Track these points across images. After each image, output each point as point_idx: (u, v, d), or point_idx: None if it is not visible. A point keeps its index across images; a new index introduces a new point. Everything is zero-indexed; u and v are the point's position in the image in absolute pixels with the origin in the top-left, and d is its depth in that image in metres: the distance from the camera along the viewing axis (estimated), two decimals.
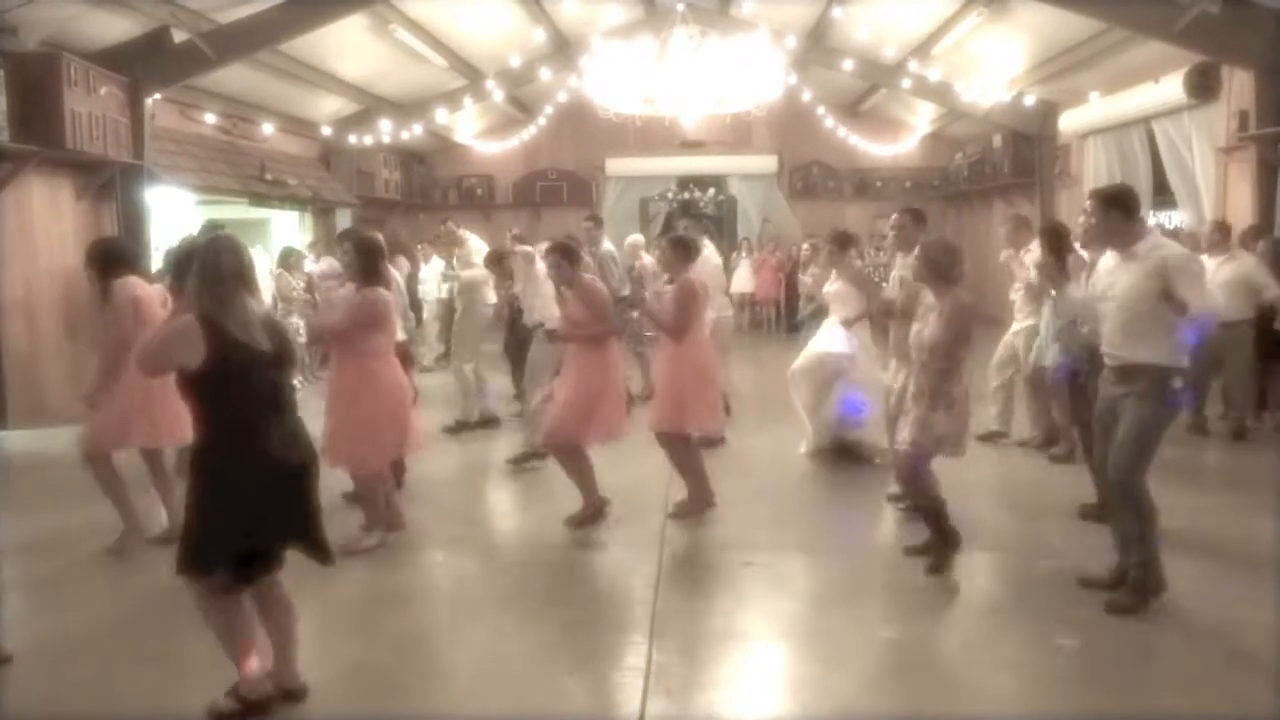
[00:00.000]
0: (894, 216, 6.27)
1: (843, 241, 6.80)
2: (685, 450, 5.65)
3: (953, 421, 4.55)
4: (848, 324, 6.65)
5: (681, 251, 5.67)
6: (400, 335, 6.40)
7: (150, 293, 5.07)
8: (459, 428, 7.95)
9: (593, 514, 5.39)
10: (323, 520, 3.42)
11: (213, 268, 3.23)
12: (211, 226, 7.07)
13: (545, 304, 7.25)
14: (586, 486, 5.42)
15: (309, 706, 3.48)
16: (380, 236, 5.58)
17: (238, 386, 3.16)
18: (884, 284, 6.63)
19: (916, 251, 4.89)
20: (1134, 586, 4.14)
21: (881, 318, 6.23)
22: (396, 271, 6.87)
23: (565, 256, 5.55)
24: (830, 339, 6.78)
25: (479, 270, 8.14)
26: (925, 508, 4.74)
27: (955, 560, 4.67)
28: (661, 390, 5.62)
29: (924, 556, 4.75)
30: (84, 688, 3.71)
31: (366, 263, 5.14)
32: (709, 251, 7.91)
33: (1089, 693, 3.58)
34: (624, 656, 3.94)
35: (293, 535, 3.34)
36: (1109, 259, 4.27)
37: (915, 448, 4.59)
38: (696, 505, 5.62)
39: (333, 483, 5.13)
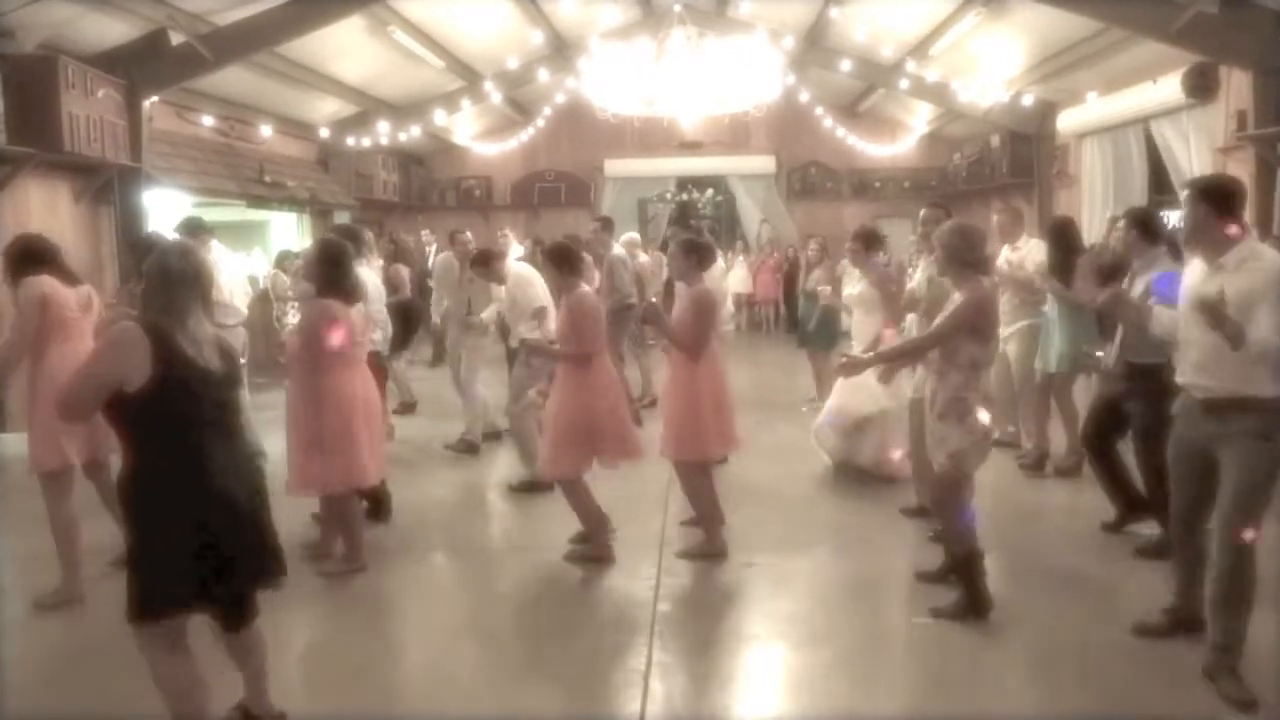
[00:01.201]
0: (923, 212, 6.10)
1: (868, 240, 6.43)
2: (701, 478, 5.17)
3: (967, 434, 4.08)
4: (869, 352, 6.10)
5: (695, 257, 5.17)
6: (378, 344, 5.99)
7: (65, 295, 4.63)
8: (467, 448, 7.52)
9: (594, 556, 5.02)
10: (281, 553, 3.17)
11: (164, 271, 2.96)
12: (191, 225, 6.99)
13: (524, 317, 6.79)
14: (591, 523, 5.05)
15: (309, 705, 3.47)
16: (347, 242, 5.15)
17: (181, 408, 2.86)
18: (910, 274, 6.42)
19: (936, 242, 4.44)
20: (1216, 667, 3.51)
21: (904, 312, 5.84)
22: (376, 278, 6.37)
23: (552, 259, 5.16)
24: (853, 391, 6.27)
25: (494, 310, 7.58)
26: (957, 555, 4.28)
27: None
28: (676, 413, 5.07)
29: (940, 582, 4.40)
30: (85, 694, 3.71)
31: (324, 271, 4.79)
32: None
33: (1090, 692, 3.58)
34: (625, 657, 3.94)
35: (249, 573, 3.05)
36: (1195, 270, 3.59)
37: (941, 470, 4.16)
38: (715, 546, 5.11)
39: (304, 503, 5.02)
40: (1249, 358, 3.27)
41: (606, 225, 9.11)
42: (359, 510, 5.07)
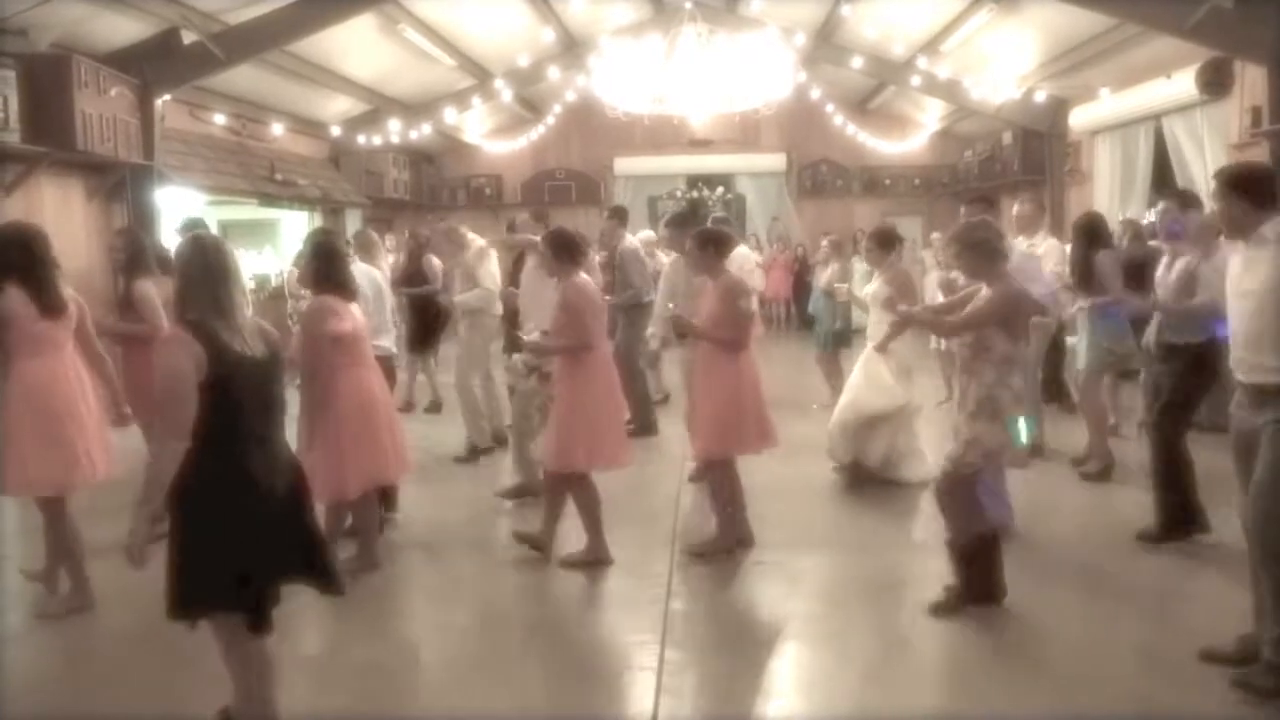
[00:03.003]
0: (964, 209, 5.99)
1: (885, 240, 6.30)
2: (727, 479, 5.07)
3: (1001, 431, 4.00)
4: (882, 347, 6.09)
5: (712, 249, 5.00)
6: (387, 344, 5.83)
7: (31, 307, 4.22)
8: (473, 455, 7.18)
9: (592, 562, 4.89)
10: (328, 547, 3.20)
11: (205, 266, 2.95)
12: (193, 226, 6.98)
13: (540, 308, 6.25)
14: (592, 525, 4.91)
15: (315, 706, 3.48)
16: (338, 237, 4.94)
17: (231, 404, 2.86)
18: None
19: (954, 242, 4.33)
20: (1272, 666, 3.38)
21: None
22: (378, 276, 6.12)
23: (551, 246, 4.93)
24: (868, 387, 6.18)
25: (486, 290, 7.16)
26: (960, 546, 4.16)
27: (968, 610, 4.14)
28: (709, 411, 4.93)
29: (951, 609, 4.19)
30: (101, 689, 3.72)
31: (319, 266, 4.66)
32: (743, 250, 7.27)
33: (1105, 694, 3.56)
34: (636, 656, 3.94)
35: (291, 568, 3.05)
36: (1237, 256, 3.57)
37: (954, 464, 4.06)
38: (726, 542, 5.06)
39: None
40: None
41: (619, 216, 8.77)
42: (376, 508, 5.05)
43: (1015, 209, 7.17)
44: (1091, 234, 6.23)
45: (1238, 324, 3.51)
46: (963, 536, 4.18)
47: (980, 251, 4.12)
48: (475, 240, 7.50)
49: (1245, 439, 3.50)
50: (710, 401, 4.97)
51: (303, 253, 4.80)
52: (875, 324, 6.38)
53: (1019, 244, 6.79)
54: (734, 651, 4.01)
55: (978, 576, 4.18)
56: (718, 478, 5.08)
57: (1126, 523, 5.25)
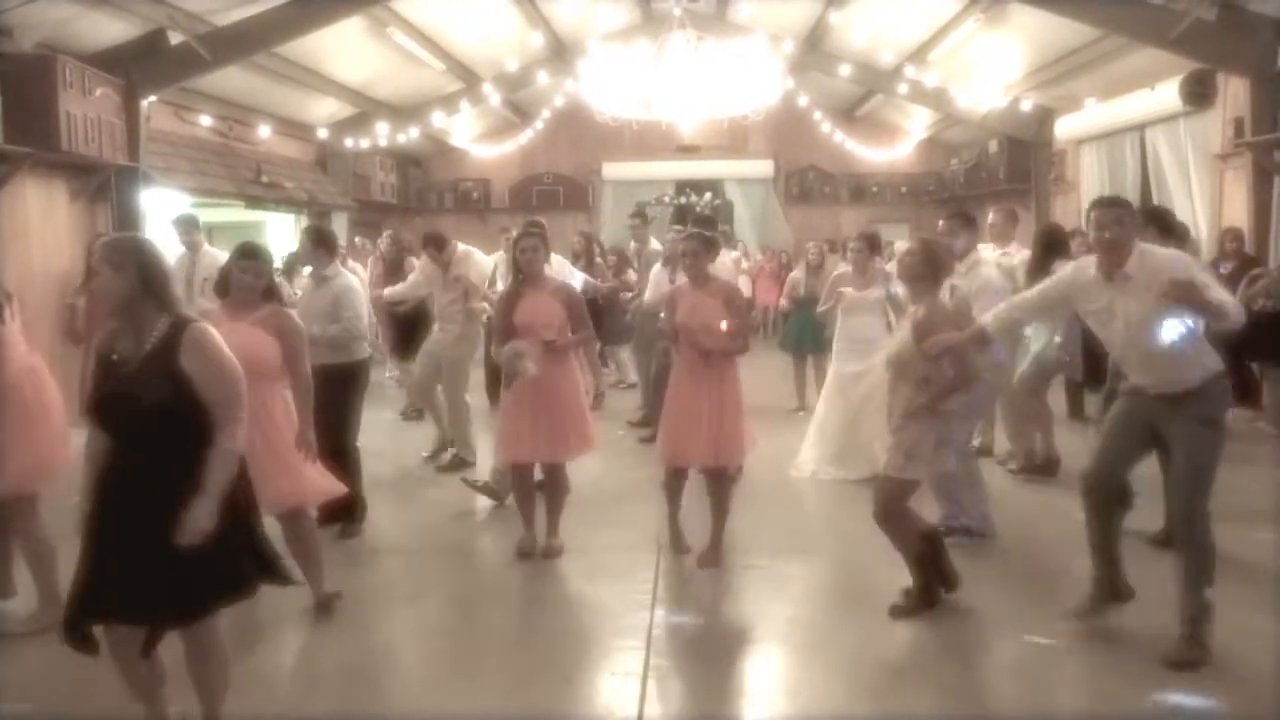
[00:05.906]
0: (941, 223, 5.96)
1: (873, 244, 6.32)
2: (731, 486, 5.09)
3: (918, 429, 4.11)
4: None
5: (715, 252, 5.09)
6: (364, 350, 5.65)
7: None
8: (461, 463, 6.98)
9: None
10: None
11: (165, 268, 2.90)
12: (187, 221, 6.87)
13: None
14: (556, 511, 5.06)
15: (304, 705, 3.45)
16: (262, 245, 4.55)
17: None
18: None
19: (909, 251, 4.36)
20: (1187, 640, 3.67)
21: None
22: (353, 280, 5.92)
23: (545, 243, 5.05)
24: (861, 359, 6.11)
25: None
26: (912, 555, 4.27)
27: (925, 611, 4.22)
28: (738, 416, 4.95)
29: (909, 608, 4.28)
30: (88, 689, 3.69)
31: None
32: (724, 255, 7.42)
33: (1087, 694, 3.58)
34: (621, 661, 3.93)
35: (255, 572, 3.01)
36: (1095, 282, 3.75)
37: (891, 473, 4.17)
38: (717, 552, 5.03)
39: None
40: (1190, 348, 3.61)
41: (645, 220, 8.73)
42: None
43: (989, 218, 7.25)
44: (1049, 244, 6.31)
45: (1127, 350, 3.78)
46: (909, 549, 4.26)
47: (938, 269, 4.27)
48: (468, 250, 7.36)
49: (1138, 417, 3.83)
50: (731, 409, 4.92)
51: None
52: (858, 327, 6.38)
53: (989, 253, 6.84)
54: (719, 657, 4.01)
55: (934, 576, 4.29)
56: (724, 487, 5.08)
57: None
